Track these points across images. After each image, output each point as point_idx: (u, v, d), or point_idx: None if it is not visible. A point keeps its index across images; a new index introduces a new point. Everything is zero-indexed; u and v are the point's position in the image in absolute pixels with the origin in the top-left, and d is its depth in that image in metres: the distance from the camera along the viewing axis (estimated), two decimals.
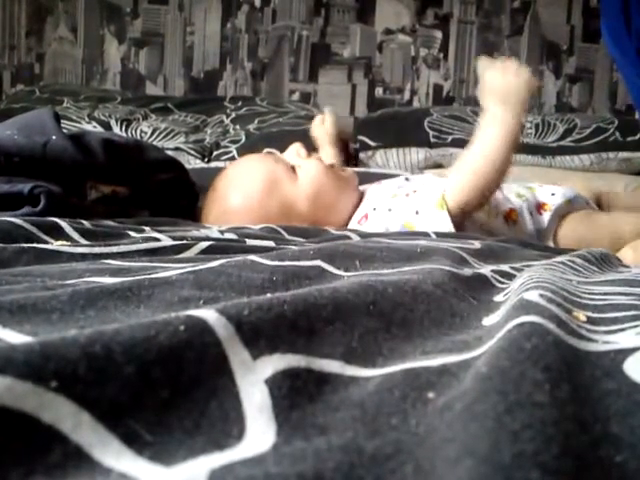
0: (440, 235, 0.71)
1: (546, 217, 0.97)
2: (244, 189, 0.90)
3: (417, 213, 0.84)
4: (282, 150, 1.53)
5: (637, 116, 1.06)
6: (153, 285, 0.34)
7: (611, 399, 0.24)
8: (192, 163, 1.58)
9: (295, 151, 0.95)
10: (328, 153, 1.13)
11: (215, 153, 1.67)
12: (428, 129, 1.83)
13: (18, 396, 0.19)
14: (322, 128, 1.15)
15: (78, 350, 0.22)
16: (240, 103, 1.98)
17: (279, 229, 0.68)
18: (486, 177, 0.82)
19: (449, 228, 0.81)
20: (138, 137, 1.68)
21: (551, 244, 0.95)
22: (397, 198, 0.89)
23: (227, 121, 1.86)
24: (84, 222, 0.57)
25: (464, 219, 0.84)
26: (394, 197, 0.89)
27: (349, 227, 0.90)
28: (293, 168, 0.91)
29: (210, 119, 1.89)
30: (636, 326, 0.33)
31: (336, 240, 0.63)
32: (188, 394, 0.23)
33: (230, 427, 0.22)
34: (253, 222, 0.83)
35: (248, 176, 0.91)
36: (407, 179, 1.02)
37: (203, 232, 0.63)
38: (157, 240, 0.53)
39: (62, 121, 0.81)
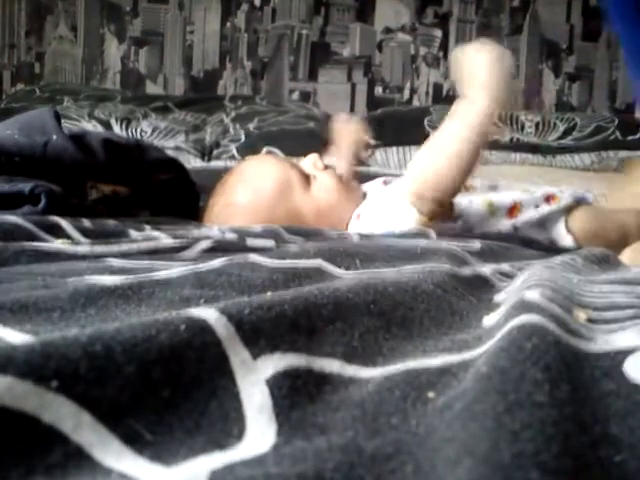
0: (440, 235, 0.71)
1: (555, 206, 0.97)
2: (255, 187, 0.89)
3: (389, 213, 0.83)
4: (282, 149, 1.53)
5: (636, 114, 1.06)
6: (154, 284, 0.34)
7: (611, 399, 0.24)
8: (192, 162, 1.58)
9: (312, 161, 0.94)
10: (344, 156, 1.12)
11: (215, 152, 1.67)
12: (428, 128, 1.83)
13: (18, 396, 0.19)
14: (352, 133, 1.13)
15: (79, 349, 0.22)
16: (240, 102, 1.98)
17: (279, 229, 0.68)
18: (444, 164, 0.78)
19: (412, 215, 0.79)
20: (138, 136, 1.68)
21: (564, 230, 0.93)
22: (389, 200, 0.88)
23: (227, 120, 1.86)
24: (85, 221, 0.57)
25: (429, 208, 0.80)
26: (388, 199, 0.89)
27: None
28: (307, 177, 0.91)
29: (210, 118, 1.89)
30: (636, 325, 0.33)
31: (336, 240, 0.63)
32: (188, 394, 0.23)
33: (230, 427, 0.22)
34: (256, 222, 0.83)
35: (262, 175, 0.90)
36: None
37: (204, 232, 0.63)
38: (158, 239, 0.53)
39: (62, 120, 0.81)
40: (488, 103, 0.76)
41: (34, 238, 0.50)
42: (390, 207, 0.83)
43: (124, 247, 0.48)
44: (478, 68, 0.76)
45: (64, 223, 0.54)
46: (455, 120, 0.79)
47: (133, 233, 0.56)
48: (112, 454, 0.20)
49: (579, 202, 0.99)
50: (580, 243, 0.92)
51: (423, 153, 0.83)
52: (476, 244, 0.60)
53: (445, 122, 0.81)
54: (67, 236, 0.52)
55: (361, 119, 1.14)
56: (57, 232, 0.52)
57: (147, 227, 0.59)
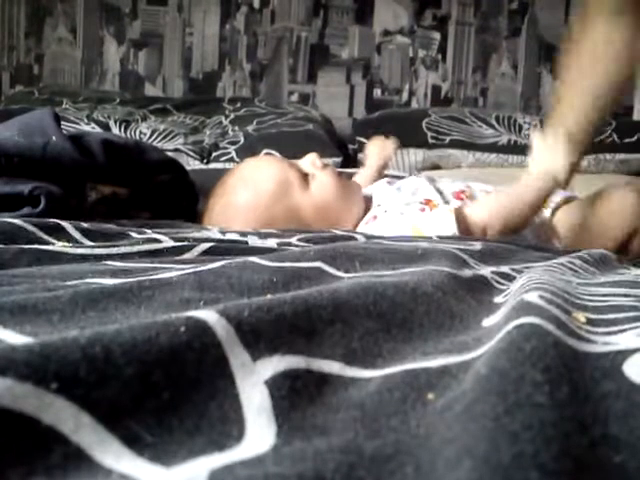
0: (442, 237, 0.71)
1: (546, 213, 0.99)
2: (254, 187, 0.89)
3: (425, 217, 0.85)
4: (281, 151, 1.53)
5: None
6: (154, 286, 0.34)
7: (610, 400, 0.24)
8: (191, 164, 1.58)
9: (311, 160, 0.94)
10: (368, 174, 1.13)
11: (214, 154, 1.67)
12: (426, 130, 1.83)
13: (18, 397, 0.19)
14: (380, 152, 1.14)
15: (78, 351, 0.22)
16: (239, 104, 1.98)
17: (280, 232, 0.68)
18: (506, 217, 0.86)
19: (452, 230, 0.81)
20: (137, 138, 1.68)
21: (553, 237, 0.95)
22: (410, 207, 0.89)
23: (226, 122, 1.86)
24: (86, 224, 0.57)
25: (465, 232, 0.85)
26: (407, 205, 0.89)
27: (357, 229, 0.90)
28: (306, 176, 0.91)
29: (209, 120, 1.89)
30: (636, 327, 0.33)
31: (339, 240, 0.63)
32: (188, 395, 0.23)
33: (230, 428, 0.22)
34: (256, 222, 0.83)
35: (261, 175, 0.91)
36: (418, 176, 1.03)
37: (205, 234, 0.63)
38: (158, 242, 0.53)
39: (61, 122, 0.81)
40: (549, 185, 0.88)
41: (35, 240, 0.50)
42: (429, 216, 0.85)
43: (124, 249, 0.48)
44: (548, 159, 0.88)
45: (66, 225, 0.54)
46: (522, 187, 0.90)
47: (134, 235, 0.56)
48: (112, 455, 0.20)
49: (568, 200, 1.00)
50: (566, 241, 0.93)
51: (494, 196, 0.92)
52: (477, 246, 0.60)
53: (514, 186, 0.92)
54: (68, 238, 0.52)
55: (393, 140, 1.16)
56: (58, 234, 0.52)
57: (148, 230, 0.59)
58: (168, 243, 0.52)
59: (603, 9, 0.98)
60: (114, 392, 0.21)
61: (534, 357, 0.24)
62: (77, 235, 0.52)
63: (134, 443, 0.20)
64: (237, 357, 0.25)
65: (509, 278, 0.49)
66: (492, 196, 0.91)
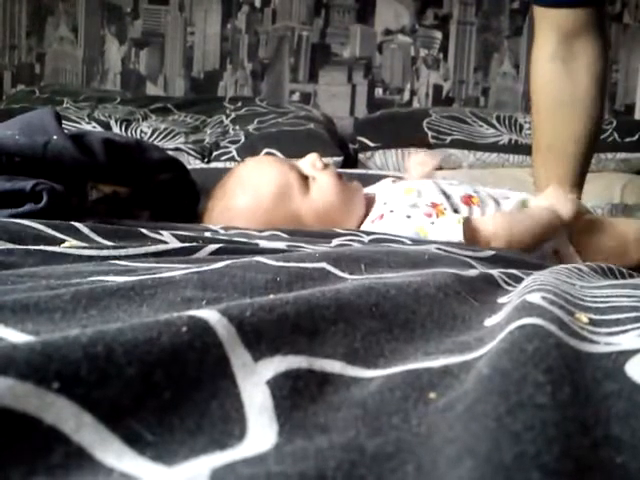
0: (452, 245, 0.70)
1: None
2: (254, 190, 0.89)
3: (432, 223, 0.84)
4: (282, 151, 1.53)
5: None
6: (156, 285, 0.34)
7: (612, 400, 0.24)
8: (192, 163, 1.58)
9: (311, 162, 0.93)
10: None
11: (215, 153, 1.67)
12: (427, 130, 1.83)
13: (20, 397, 0.19)
14: (420, 169, 1.14)
15: (80, 350, 0.22)
16: (240, 103, 1.98)
17: (284, 234, 0.68)
18: (513, 232, 0.86)
19: (459, 239, 0.81)
20: (138, 137, 1.68)
21: (567, 241, 0.94)
22: (417, 209, 0.88)
23: (227, 121, 1.86)
24: (97, 225, 0.56)
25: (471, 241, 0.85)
26: (414, 207, 0.89)
27: (362, 227, 0.89)
28: (306, 179, 0.91)
29: (210, 119, 1.89)
30: (638, 328, 0.33)
31: (344, 237, 0.63)
32: (189, 395, 0.23)
33: (231, 427, 0.22)
34: (255, 224, 0.83)
35: (260, 178, 0.90)
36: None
37: (213, 235, 0.62)
38: (167, 243, 0.53)
39: (62, 121, 0.81)
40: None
41: (41, 240, 0.50)
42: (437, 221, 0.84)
43: (132, 251, 0.48)
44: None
45: (79, 225, 0.54)
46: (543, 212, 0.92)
47: (144, 236, 0.56)
48: (113, 454, 0.20)
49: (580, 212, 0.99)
50: (581, 254, 0.92)
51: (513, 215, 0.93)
52: (488, 252, 0.60)
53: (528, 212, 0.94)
54: (82, 237, 0.52)
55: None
56: (65, 234, 0.52)
57: (159, 230, 0.59)
58: (176, 244, 0.52)
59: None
60: (115, 391, 0.21)
61: (536, 358, 0.24)
62: (92, 234, 0.52)
63: (135, 442, 0.20)
64: (238, 357, 0.25)
65: (517, 280, 0.49)
66: (500, 212, 0.92)
